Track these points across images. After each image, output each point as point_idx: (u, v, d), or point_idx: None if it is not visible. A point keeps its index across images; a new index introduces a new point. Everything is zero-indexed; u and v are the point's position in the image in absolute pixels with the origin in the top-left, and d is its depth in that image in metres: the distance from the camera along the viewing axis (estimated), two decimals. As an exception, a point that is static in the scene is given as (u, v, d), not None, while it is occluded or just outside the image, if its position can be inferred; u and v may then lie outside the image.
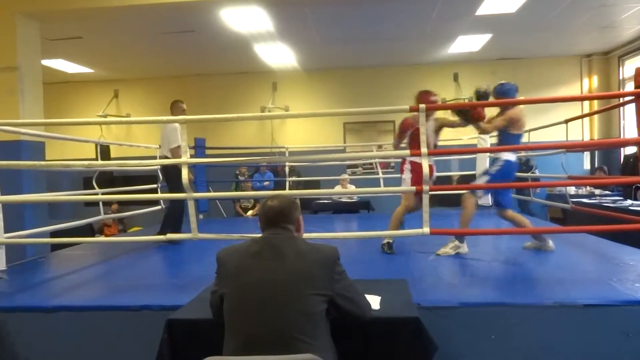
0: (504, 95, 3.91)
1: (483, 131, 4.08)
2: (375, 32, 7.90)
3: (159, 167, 6.30)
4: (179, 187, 4.68)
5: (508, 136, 3.90)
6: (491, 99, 3.99)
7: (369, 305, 2.04)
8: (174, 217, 4.98)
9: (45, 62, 8.26)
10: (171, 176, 4.98)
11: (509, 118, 3.83)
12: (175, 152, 4.89)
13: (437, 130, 4.27)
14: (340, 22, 7.34)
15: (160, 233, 4.65)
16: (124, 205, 8.64)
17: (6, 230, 3.76)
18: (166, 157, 5.05)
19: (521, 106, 3.94)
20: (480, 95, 3.99)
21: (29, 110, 5.47)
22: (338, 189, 8.22)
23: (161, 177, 6.39)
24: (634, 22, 7.75)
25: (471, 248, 4.19)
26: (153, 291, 3.16)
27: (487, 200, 7.30)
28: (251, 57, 8.98)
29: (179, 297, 2.61)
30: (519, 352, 2.54)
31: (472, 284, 3.09)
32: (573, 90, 9.84)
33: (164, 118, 4.10)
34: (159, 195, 6.36)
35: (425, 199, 3.27)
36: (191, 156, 5.27)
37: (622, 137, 9.01)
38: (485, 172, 4.06)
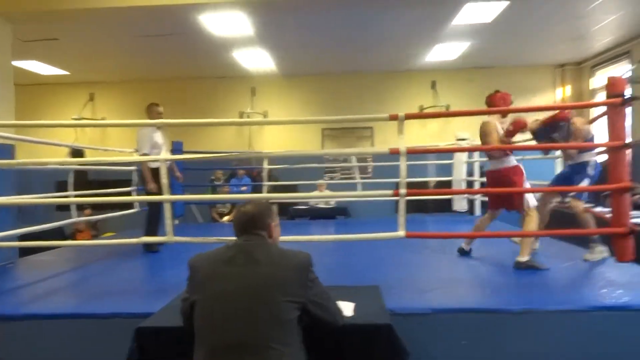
0: None
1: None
2: (355, 39, 7.96)
3: (136, 170, 6.21)
4: (148, 192, 4.62)
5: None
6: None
7: (341, 312, 2.05)
8: (149, 222, 4.86)
9: (18, 64, 8.09)
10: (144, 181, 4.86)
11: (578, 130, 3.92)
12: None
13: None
14: (320, 28, 7.37)
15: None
16: (98, 210, 8.47)
17: (-27, 235, 3.65)
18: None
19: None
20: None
21: (-1, 111, 5.34)
22: (316, 194, 8.22)
23: (136, 180, 6.30)
24: (604, 34, 7.97)
25: (446, 253, 4.25)
26: (124, 298, 3.10)
27: (463, 205, 7.42)
28: (230, 61, 8.96)
29: (151, 304, 2.57)
30: (489, 358, 2.57)
31: (445, 290, 3.12)
32: (547, 98, 10.07)
33: (141, 121, 4.03)
34: (132, 197, 6.26)
35: (402, 204, 3.29)
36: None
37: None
38: (587, 176, 4.02)
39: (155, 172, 4.05)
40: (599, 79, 9.36)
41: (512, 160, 3.88)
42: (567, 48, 8.84)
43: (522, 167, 3.90)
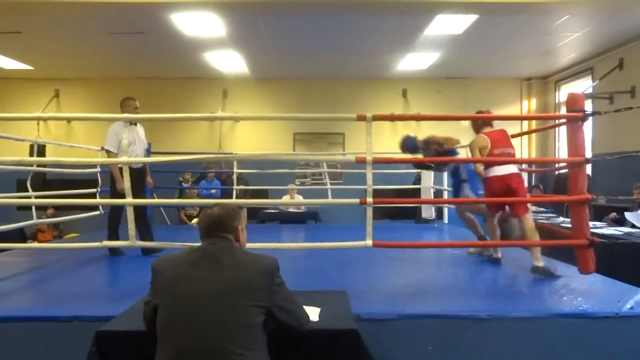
0: None
1: None
2: (328, 46, 7.99)
3: (100, 171, 6.04)
4: (115, 193, 4.48)
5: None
6: None
7: (307, 317, 2.04)
8: (110, 224, 4.69)
9: (-21, 56, 7.82)
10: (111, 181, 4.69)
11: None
12: (108, 156, 4.59)
13: None
14: (293, 32, 7.37)
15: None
16: (60, 210, 8.21)
17: None
18: None
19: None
20: None
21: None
22: (286, 198, 8.19)
23: (100, 182, 6.14)
24: (569, 50, 8.26)
25: (413, 261, 4.29)
26: (86, 301, 3.01)
27: (431, 213, 7.52)
28: (202, 62, 8.86)
29: (113, 307, 2.50)
30: (454, 364, 2.60)
31: (412, 295, 3.15)
32: (514, 110, 10.34)
33: (106, 115, 3.91)
34: (97, 200, 6.09)
35: (369, 212, 3.30)
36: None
37: (556, 157, 9.53)
38: (464, 181, 4.51)
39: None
40: (564, 93, 9.67)
41: (514, 168, 3.96)
42: (534, 62, 9.10)
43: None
